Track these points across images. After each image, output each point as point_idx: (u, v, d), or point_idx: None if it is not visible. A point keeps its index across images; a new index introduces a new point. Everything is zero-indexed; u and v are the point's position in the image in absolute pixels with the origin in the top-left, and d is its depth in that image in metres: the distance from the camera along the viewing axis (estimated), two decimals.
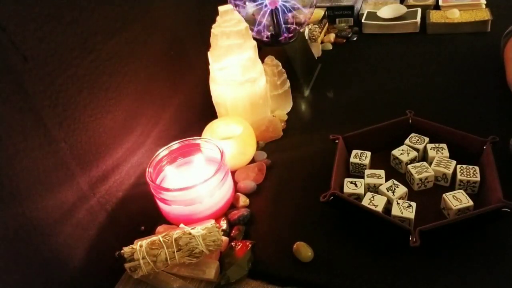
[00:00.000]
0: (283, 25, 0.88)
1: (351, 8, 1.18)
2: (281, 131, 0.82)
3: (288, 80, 0.87)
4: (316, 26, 1.05)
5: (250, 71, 0.75)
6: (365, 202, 0.58)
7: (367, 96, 0.88)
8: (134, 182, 0.67)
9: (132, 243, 0.55)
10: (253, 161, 0.76)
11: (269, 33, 0.89)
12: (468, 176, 0.60)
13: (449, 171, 0.61)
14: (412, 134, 0.69)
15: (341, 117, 0.84)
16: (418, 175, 0.62)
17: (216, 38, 0.73)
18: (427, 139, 0.68)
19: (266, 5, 0.84)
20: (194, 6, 0.84)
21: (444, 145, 0.66)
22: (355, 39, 1.13)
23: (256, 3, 0.84)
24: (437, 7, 1.16)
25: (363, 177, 0.63)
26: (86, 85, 0.56)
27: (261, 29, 0.87)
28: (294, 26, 0.90)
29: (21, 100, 0.47)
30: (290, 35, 0.89)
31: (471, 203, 0.56)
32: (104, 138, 0.60)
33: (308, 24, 1.03)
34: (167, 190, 0.60)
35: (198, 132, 0.74)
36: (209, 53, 0.75)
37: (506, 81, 0.78)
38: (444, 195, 0.58)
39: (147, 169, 0.63)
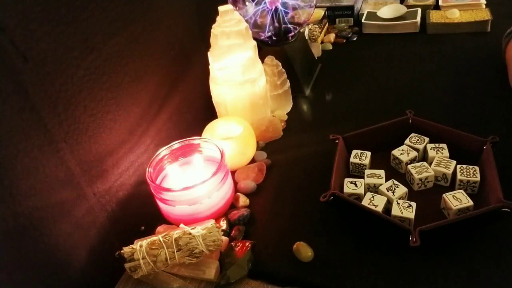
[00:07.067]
0: (283, 25, 0.88)
1: (351, 8, 1.18)
2: (281, 131, 0.82)
3: (288, 80, 0.87)
4: (316, 26, 1.06)
5: (250, 71, 0.75)
6: (365, 202, 0.58)
7: (367, 96, 0.88)
8: (134, 182, 0.67)
9: (132, 243, 0.55)
10: (253, 161, 0.76)
11: (269, 33, 0.89)
12: (468, 176, 0.60)
13: (449, 171, 0.61)
14: (412, 134, 0.69)
15: (341, 117, 0.84)
16: (418, 175, 0.62)
17: (216, 38, 0.73)
18: (427, 139, 0.68)
19: (265, 3, 0.84)
20: (194, 6, 0.84)
21: (444, 145, 0.66)
22: (355, 39, 1.13)
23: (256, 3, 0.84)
24: (437, 7, 1.16)
25: (363, 177, 0.63)
26: (86, 85, 0.56)
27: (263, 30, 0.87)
28: (294, 26, 0.90)
29: (21, 100, 0.47)
30: (290, 35, 0.89)
31: (471, 203, 0.56)
32: (104, 138, 0.60)
33: (308, 24, 1.03)
34: (167, 190, 0.60)
35: (198, 132, 0.74)
36: (209, 53, 0.75)
37: (508, 81, 0.78)
38: (444, 195, 0.58)
39: (147, 169, 0.63)
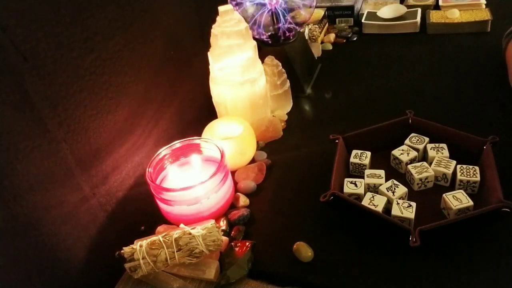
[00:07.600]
0: (283, 25, 0.88)
1: (351, 8, 1.18)
2: (281, 131, 0.82)
3: (288, 80, 0.87)
4: (316, 26, 1.06)
5: (250, 71, 0.75)
6: (365, 202, 0.58)
7: (367, 96, 0.88)
8: (134, 182, 0.67)
9: (132, 243, 0.55)
10: (253, 161, 0.76)
11: (269, 33, 0.89)
12: (468, 176, 0.60)
13: (449, 171, 0.61)
14: (412, 134, 0.69)
15: (341, 117, 0.84)
16: (418, 175, 0.62)
17: (216, 38, 0.72)
18: (427, 139, 0.68)
19: (265, 5, 0.84)
20: (194, 6, 0.84)
21: (444, 145, 0.66)
22: (355, 39, 1.13)
23: (256, 2, 0.84)
24: (437, 7, 1.16)
25: (363, 177, 0.63)
26: (86, 85, 0.56)
27: (261, 30, 0.87)
28: (294, 26, 0.90)
29: (21, 100, 0.47)
30: (290, 35, 0.89)
31: (471, 203, 0.56)
32: (104, 138, 0.60)
33: (308, 24, 1.03)
34: (167, 190, 0.60)
35: (198, 132, 0.74)
36: (209, 53, 0.75)
37: (508, 81, 0.78)
38: (444, 195, 0.58)
39: (147, 169, 0.63)
